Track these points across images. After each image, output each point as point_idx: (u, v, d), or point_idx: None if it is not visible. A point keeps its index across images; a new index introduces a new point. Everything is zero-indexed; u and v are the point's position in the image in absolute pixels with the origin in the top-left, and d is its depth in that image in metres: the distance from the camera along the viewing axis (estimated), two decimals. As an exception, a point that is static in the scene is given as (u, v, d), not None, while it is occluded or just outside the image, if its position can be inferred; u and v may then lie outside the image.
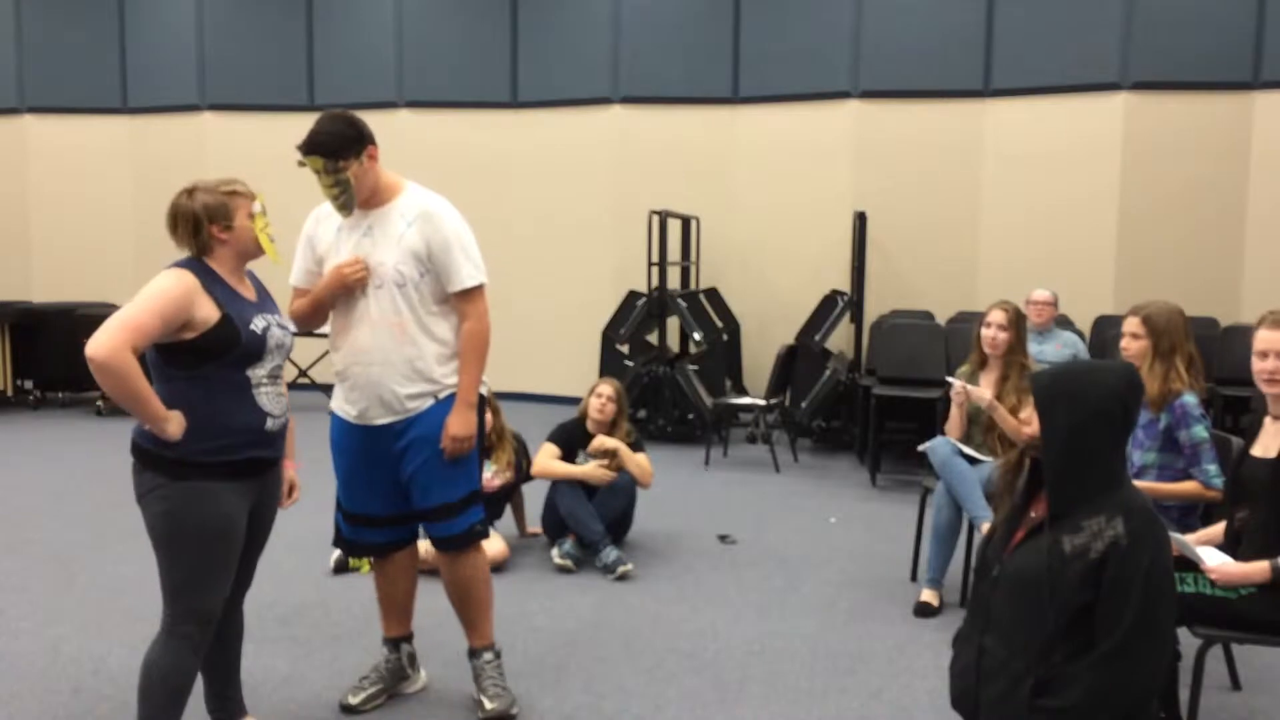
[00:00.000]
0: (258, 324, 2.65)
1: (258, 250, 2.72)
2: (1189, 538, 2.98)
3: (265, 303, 2.77)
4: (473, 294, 3.06)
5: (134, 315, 2.47)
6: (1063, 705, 2.11)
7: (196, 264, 2.65)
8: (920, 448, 4.39)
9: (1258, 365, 2.86)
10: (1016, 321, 4.35)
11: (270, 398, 2.68)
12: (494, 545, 4.43)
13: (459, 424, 3.04)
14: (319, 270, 3.11)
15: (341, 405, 3.13)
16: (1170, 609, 2.18)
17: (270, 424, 2.66)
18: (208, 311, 2.57)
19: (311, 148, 2.92)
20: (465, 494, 3.12)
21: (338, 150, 2.91)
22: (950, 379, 4.35)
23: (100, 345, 2.39)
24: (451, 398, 3.08)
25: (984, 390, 4.20)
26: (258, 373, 2.64)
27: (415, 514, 3.15)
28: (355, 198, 2.98)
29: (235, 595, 2.82)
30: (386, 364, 3.01)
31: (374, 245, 3.02)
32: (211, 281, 2.63)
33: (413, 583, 3.33)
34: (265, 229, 2.73)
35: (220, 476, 2.57)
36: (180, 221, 2.65)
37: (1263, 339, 2.85)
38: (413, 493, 3.10)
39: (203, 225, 2.64)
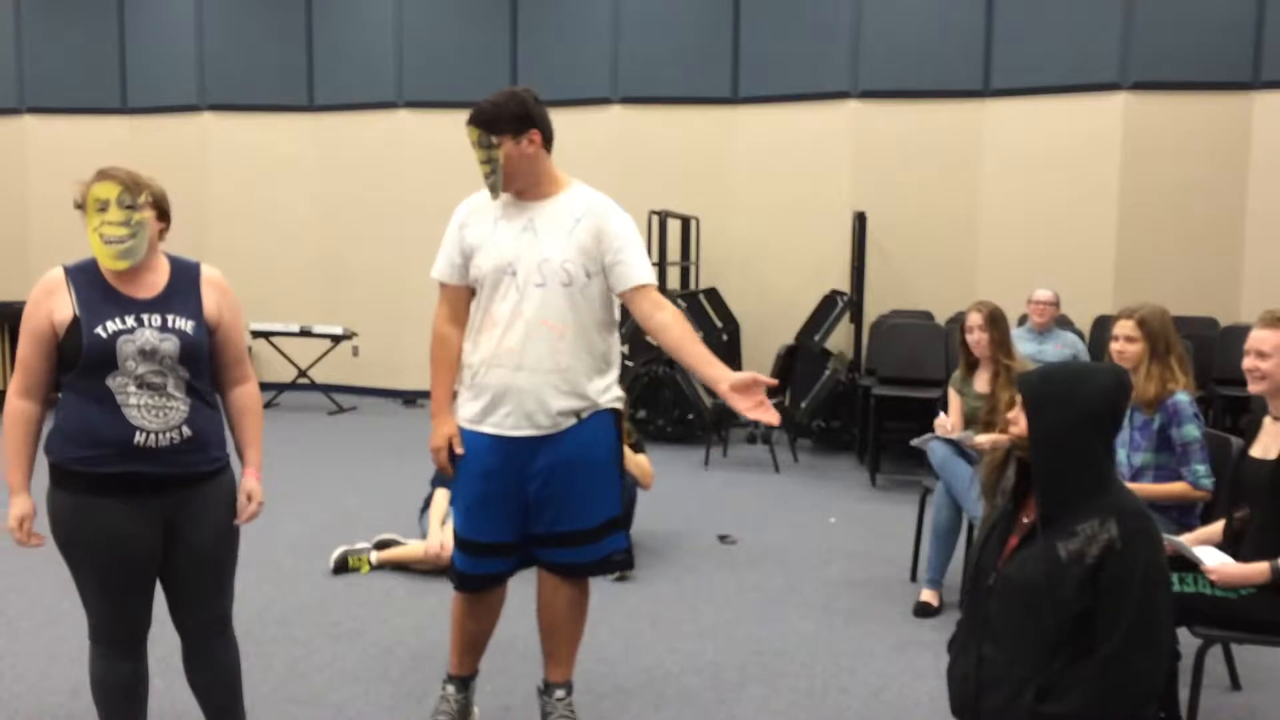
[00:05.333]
0: (109, 327, 2.29)
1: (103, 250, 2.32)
2: (1186, 538, 2.98)
3: (166, 301, 2.38)
4: (651, 289, 2.75)
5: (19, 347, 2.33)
6: (1065, 710, 2.11)
7: (87, 260, 2.40)
8: (913, 442, 4.38)
9: (1243, 362, 2.89)
10: (994, 319, 4.33)
11: (143, 410, 2.30)
12: None
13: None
14: (464, 263, 2.81)
15: (473, 417, 2.79)
16: (1168, 608, 2.18)
17: (142, 439, 2.30)
18: (63, 313, 2.31)
19: (471, 117, 2.75)
20: (607, 519, 2.84)
21: (493, 124, 2.71)
22: (937, 425, 4.28)
23: None
24: (596, 416, 2.77)
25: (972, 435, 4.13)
26: (118, 381, 2.29)
27: (542, 538, 2.82)
28: (502, 180, 2.75)
29: (190, 625, 2.51)
30: (537, 370, 2.70)
31: (537, 239, 2.73)
32: (82, 278, 2.35)
33: (499, 615, 2.99)
34: (100, 227, 2.32)
35: (98, 489, 2.31)
36: None
37: (1249, 337, 2.87)
38: (544, 515, 2.79)
39: None
